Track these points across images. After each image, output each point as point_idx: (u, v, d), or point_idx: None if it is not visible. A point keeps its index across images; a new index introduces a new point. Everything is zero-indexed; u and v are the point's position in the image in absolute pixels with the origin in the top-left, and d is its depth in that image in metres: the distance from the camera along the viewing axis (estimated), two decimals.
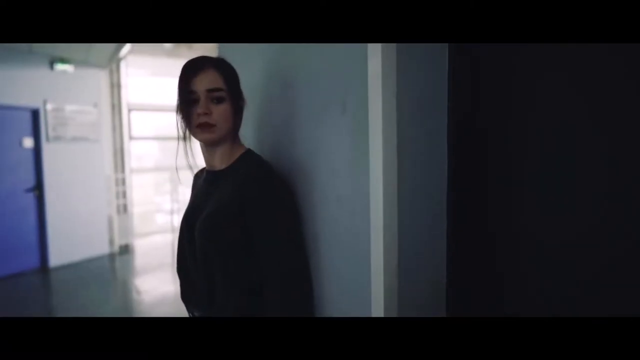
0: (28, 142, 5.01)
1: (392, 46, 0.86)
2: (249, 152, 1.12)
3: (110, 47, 4.78)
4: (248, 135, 1.45)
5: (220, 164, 1.09)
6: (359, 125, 0.94)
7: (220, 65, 1.05)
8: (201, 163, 1.20)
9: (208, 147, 1.08)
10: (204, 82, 1.01)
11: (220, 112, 1.01)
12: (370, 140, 0.90)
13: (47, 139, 5.12)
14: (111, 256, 5.98)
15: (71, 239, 5.40)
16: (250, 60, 1.47)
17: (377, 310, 0.90)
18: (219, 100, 1.01)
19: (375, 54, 0.87)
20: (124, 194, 6.41)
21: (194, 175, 1.25)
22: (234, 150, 1.10)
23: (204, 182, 1.15)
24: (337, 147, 1.02)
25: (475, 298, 0.92)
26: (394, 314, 0.88)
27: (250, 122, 1.47)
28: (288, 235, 1.01)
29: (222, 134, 1.04)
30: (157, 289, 4.67)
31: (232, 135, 1.09)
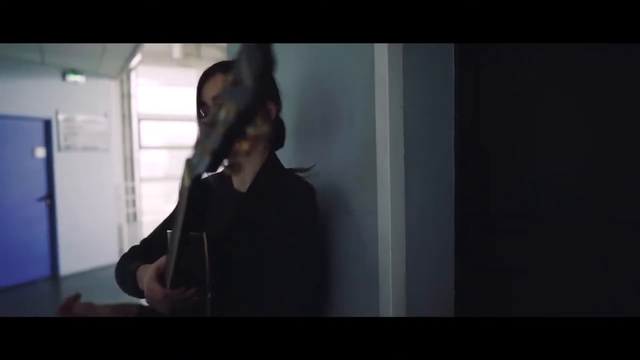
0: (40, 152, 5.08)
1: (399, 56, 0.87)
2: (285, 171, 1.02)
3: (121, 57, 4.85)
4: None
5: (248, 182, 0.98)
6: (366, 136, 0.95)
7: (228, 68, 0.83)
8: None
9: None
10: (211, 90, 0.91)
11: None
12: (377, 150, 0.91)
13: (59, 148, 5.19)
14: None
15: (81, 248, 5.44)
16: None
17: (385, 314, 0.90)
18: None
19: (381, 63, 0.87)
20: (134, 203, 6.46)
21: (202, 185, 1.07)
22: (264, 164, 0.98)
23: (231, 204, 1.01)
24: (345, 158, 1.03)
25: (482, 303, 0.91)
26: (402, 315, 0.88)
27: None
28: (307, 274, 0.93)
29: None
30: None
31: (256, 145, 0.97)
